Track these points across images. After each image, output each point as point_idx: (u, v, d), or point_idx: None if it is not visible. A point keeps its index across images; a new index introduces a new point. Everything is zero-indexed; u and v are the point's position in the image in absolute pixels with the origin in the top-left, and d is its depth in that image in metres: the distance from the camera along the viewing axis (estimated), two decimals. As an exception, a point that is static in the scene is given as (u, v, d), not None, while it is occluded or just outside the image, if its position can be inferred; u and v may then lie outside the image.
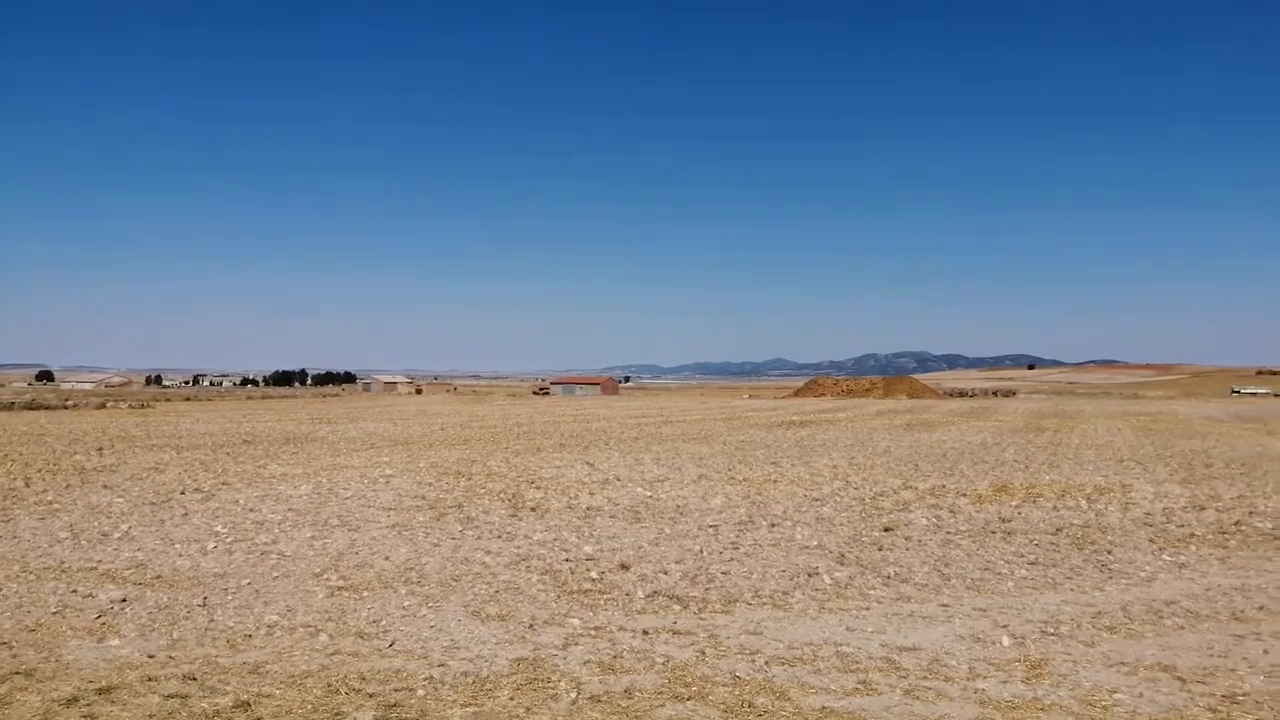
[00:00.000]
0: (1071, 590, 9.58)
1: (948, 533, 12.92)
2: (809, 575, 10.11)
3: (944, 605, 8.94)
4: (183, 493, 16.23)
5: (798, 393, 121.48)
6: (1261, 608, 8.75)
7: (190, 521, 13.22)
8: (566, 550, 11.37)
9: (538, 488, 17.47)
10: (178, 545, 11.44)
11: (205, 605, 8.62)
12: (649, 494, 16.61)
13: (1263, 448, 30.19)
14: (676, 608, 8.74)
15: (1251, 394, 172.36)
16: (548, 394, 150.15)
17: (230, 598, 8.92)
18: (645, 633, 7.88)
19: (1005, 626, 8.12)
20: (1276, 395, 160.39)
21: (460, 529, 12.81)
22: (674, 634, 7.85)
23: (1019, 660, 7.17)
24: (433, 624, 8.11)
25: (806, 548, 11.70)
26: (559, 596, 9.11)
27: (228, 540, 11.78)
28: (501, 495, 16.32)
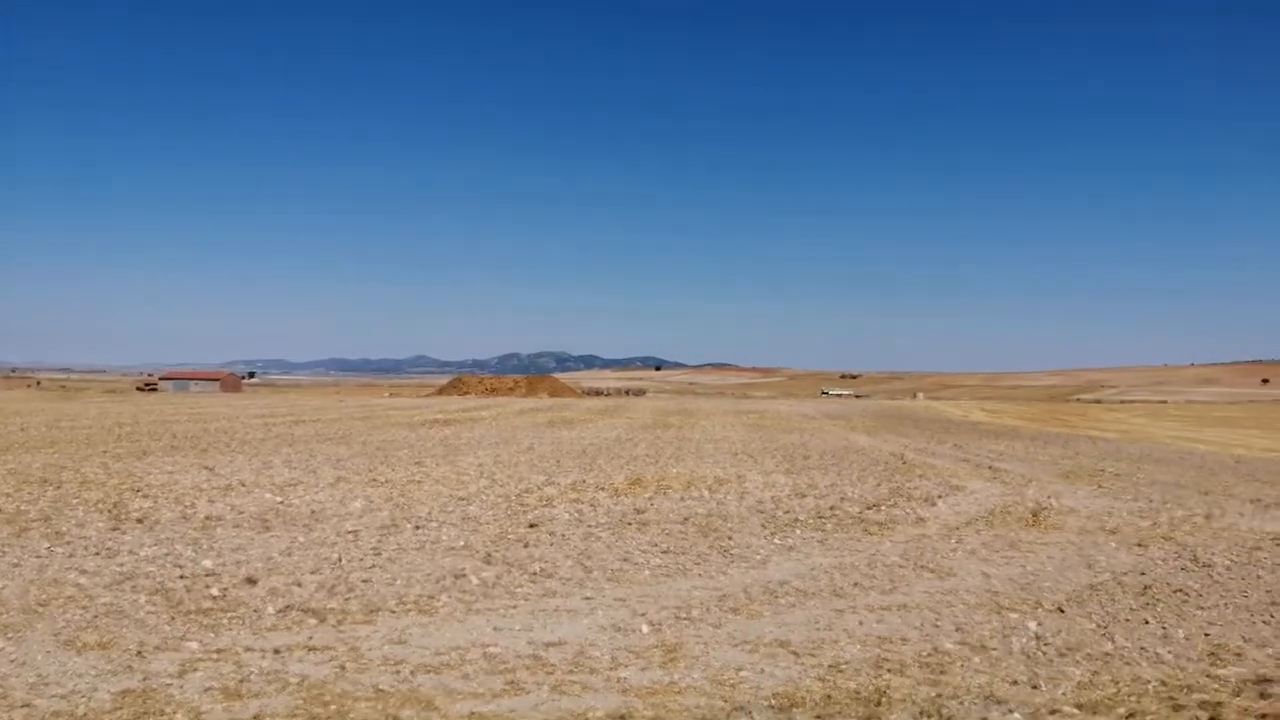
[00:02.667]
0: (700, 576, 10.25)
1: (589, 526, 13.33)
2: (455, 577, 9.89)
3: (587, 598, 9.15)
4: None
5: (441, 391, 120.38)
6: (856, 584, 9.93)
7: None
8: (181, 565, 10.16)
9: (145, 496, 15.52)
10: None
11: None
12: (279, 500, 15.41)
13: (847, 441, 34.72)
14: (312, 621, 8.10)
15: (837, 395, 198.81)
16: (155, 390, 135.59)
17: None
18: (277, 651, 7.20)
19: (644, 614, 8.47)
20: (856, 396, 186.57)
21: (48, 546, 11.00)
22: (310, 650, 7.26)
23: (657, 646, 7.49)
24: (13, 658, 6.82)
25: (453, 549, 11.46)
26: (173, 618, 8.08)
27: None
28: (100, 505, 14.28)
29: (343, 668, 6.86)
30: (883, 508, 15.80)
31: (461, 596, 9.13)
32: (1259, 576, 10.50)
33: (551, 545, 11.80)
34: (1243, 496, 18.25)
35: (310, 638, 7.61)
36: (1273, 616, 8.71)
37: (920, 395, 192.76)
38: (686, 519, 14.15)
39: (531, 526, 13.15)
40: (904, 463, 25.33)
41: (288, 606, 8.56)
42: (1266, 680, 6.69)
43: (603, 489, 17.73)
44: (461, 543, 11.85)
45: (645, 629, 7.99)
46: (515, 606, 8.79)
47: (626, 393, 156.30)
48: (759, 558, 11.30)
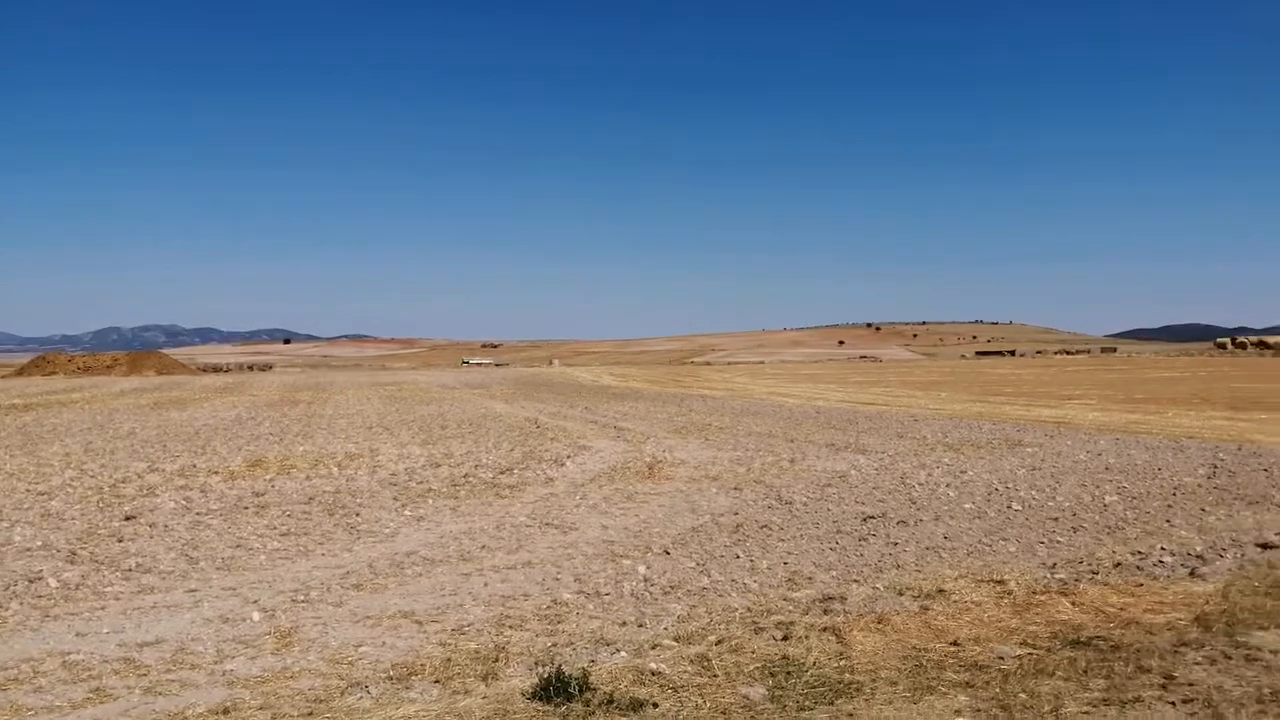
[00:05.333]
0: (322, 555, 9.85)
1: (198, 513, 12.27)
2: (30, 581, 8.64)
3: (192, 590, 8.43)
4: None
5: (22, 371, 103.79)
6: (483, 547, 10.09)
7: None
8: None
9: None
10: None
11: None
12: None
13: (486, 410, 35.10)
14: None
15: (478, 364, 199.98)
16: None
17: None
18: None
19: (256, 601, 7.97)
20: (496, 365, 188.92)
21: None
22: None
23: (269, 633, 7.09)
24: None
25: (27, 550, 10.00)
26: None
27: None
28: None
29: None
30: (515, 471, 16.19)
31: (36, 602, 8.00)
32: (828, 509, 12.17)
33: (151, 538, 10.70)
34: (820, 442, 21.03)
35: None
36: (837, 543, 10.13)
37: (556, 362, 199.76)
38: (312, 498, 13.51)
39: (128, 519, 11.82)
40: (538, 427, 26.13)
41: None
42: (829, 598, 7.77)
43: (216, 473, 16.39)
44: (39, 543, 10.38)
45: (256, 616, 7.52)
46: (104, 608, 7.86)
47: (250, 368, 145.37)
48: (388, 531, 11.08)
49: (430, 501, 13.11)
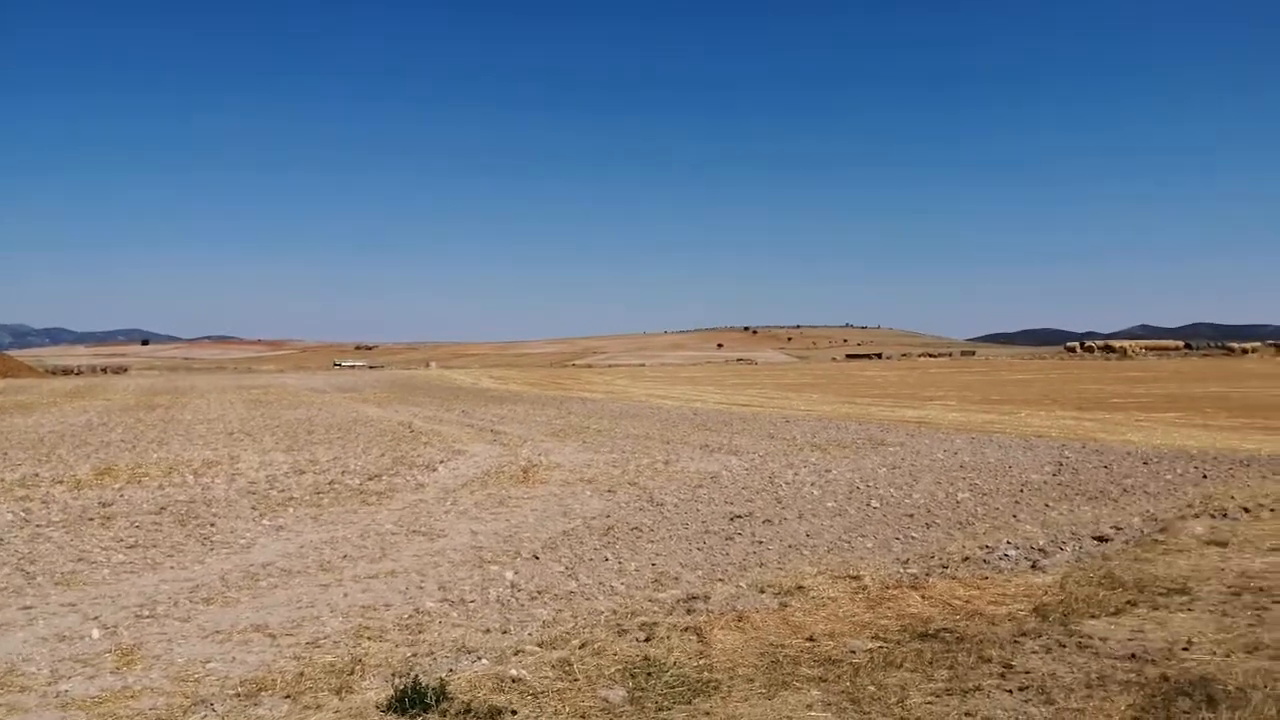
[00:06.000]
0: (172, 569, 9.37)
1: (37, 526, 11.52)
2: None
3: (26, 608, 7.89)
4: None
5: None
6: (345, 556, 9.80)
7: None
8: None
9: None
10: None
11: None
12: None
13: (357, 414, 34.18)
14: None
15: (350, 366, 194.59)
16: None
17: None
18: None
19: (96, 618, 7.53)
20: (370, 367, 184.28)
21: None
22: None
23: (110, 651, 6.70)
24: None
25: None
26: None
27: None
28: None
29: None
30: (384, 477, 15.82)
31: None
32: (698, 510, 12.35)
33: (-18, 554, 9.97)
34: (695, 443, 21.33)
35: None
36: (705, 543, 10.29)
37: (434, 365, 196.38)
38: (163, 508, 12.87)
39: (-45, 533, 10.99)
40: (411, 431, 25.61)
41: None
42: (694, 598, 7.88)
43: (61, 482, 15.42)
44: None
45: (97, 634, 7.09)
46: (-79, 632, 7.28)
47: (105, 370, 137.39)
48: (243, 542, 10.64)
49: (291, 510, 12.66)
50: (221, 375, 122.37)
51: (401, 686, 5.42)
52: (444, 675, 5.78)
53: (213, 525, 11.58)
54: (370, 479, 15.60)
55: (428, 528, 11.32)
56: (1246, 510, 11.32)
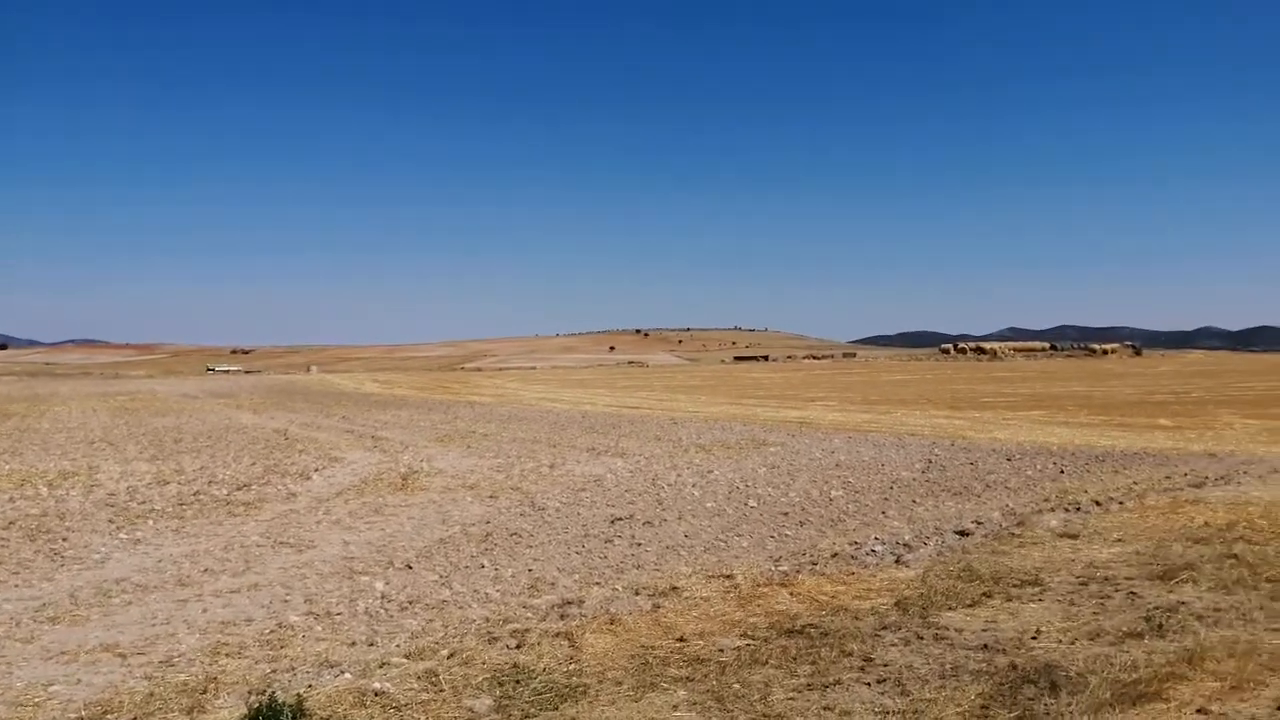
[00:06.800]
0: (17, 586, 8.81)
1: None
2: None
3: None
4: None
5: None
6: (206, 570, 9.39)
7: None
8: None
9: None
10: None
11: None
12: None
13: (230, 420, 32.88)
14: None
15: (225, 371, 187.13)
16: None
17: None
18: None
19: (-75, 645, 7.00)
20: (246, 372, 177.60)
21: None
22: None
23: (-62, 681, 6.24)
24: None
25: None
26: None
27: None
28: None
29: None
30: (254, 487, 15.25)
31: None
32: (579, 514, 12.33)
33: None
34: (582, 447, 21.31)
35: None
36: (584, 547, 10.27)
37: (315, 369, 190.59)
38: (13, 523, 12.10)
39: None
40: (286, 438, 24.79)
41: None
42: (568, 603, 7.84)
43: (-107, 498, 14.31)
44: None
45: (-77, 662, 6.60)
46: None
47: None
48: (97, 557, 10.08)
49: (151, 523, 12.07)
50: (86, 381, 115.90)
51: (256, 705, 5.21)
52: (302, 691, 5.59)
53: (65, 540, 10.93)
54: (239, 489, 15.01)
55: (297, 539, 10.95)
56: (1098, 503, 11.99)
